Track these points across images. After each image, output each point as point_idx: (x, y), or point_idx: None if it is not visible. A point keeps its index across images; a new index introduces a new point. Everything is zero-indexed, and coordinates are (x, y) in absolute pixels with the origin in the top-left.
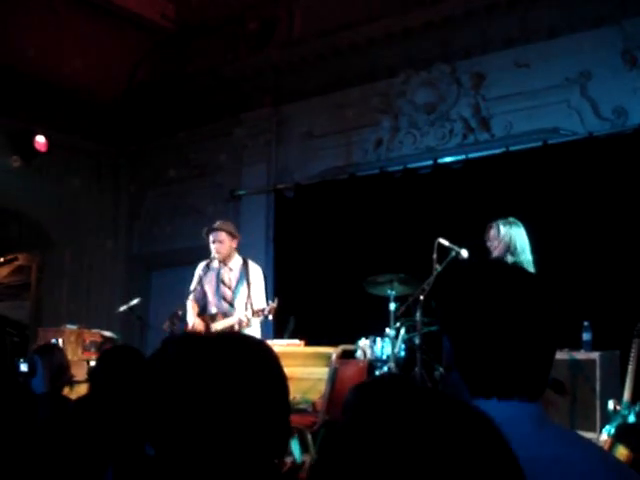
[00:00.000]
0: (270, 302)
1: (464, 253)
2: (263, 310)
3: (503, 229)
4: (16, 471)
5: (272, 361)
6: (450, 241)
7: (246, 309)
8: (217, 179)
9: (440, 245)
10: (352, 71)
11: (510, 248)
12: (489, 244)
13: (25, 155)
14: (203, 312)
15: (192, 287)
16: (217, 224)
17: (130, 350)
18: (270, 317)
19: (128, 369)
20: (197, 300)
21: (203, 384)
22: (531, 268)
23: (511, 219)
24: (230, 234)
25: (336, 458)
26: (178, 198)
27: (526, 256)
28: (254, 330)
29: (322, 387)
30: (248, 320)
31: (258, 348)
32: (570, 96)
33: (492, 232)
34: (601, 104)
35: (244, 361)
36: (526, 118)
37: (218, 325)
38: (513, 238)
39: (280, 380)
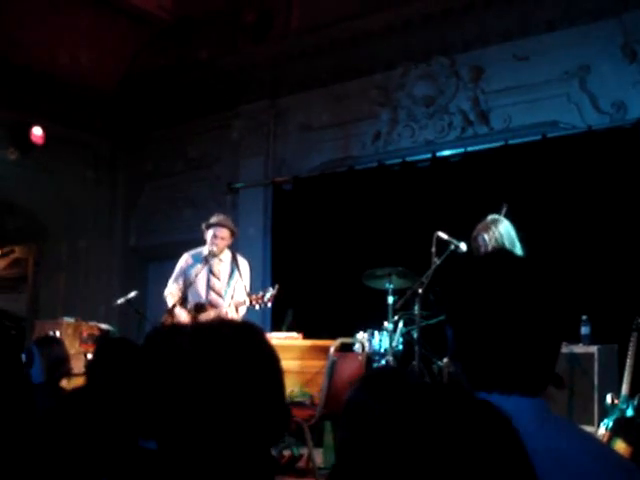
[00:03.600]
0: (271, 289)
1: (463, 246)
2: (263, 297)
3: (487, 236)
4: (15, 461)
5: (264, 343)
6: (449, 234)
7: (244, 299)
8: (215, 172)
9: (439, 238)
10: (350, 64)
11: (501, 247)
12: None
13: (22, 147)
14: (184, 302)
15: (172, 279)
16: (222, 220)
17: (126, 343)
18: (269, 305)
19: (125, 362)
20: (181, 290)
21: (195, 372)
22: None
23: (489, 219)
24: (232, 232)
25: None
26: (175, 190)
27: (516, 249)
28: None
29: (320, 380)
30: (244, 301)
31: (249, 332)
32: (569, 89)
33: (479, 242)
34: (600, 98)
35: (236, 346)
36: (525, 111)
37: (207, 316)
38: (501, 239)
39: (273, 363)
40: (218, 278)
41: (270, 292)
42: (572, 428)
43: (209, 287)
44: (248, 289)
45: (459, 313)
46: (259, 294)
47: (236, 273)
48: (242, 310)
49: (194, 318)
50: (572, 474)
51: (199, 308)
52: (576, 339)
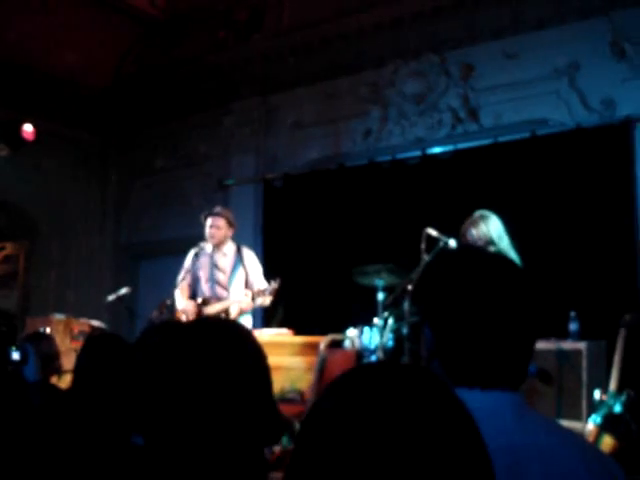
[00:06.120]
0: (272, 282)
1: (452, 243)
2: (264, 291)
3: (475, 232)
4: (11, 459)
5: (253, 344)
6: (438, 231)
7: (246, 292)
8: (205, 169)
9: (428, 235)
10: (341, 61)
11: (490, 242)
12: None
13: (12, 144)
14: (194, 297)
15: (181, 275)
16: (218, 209)
17: (113, 338)
18: (271, 298)
19: (112, 357)
20: (189, 285)
21: (185, 371)
22: (512, 253)
23: (477, 214)
24: (228, 222)
25: (313, 443)
26: (166, 187)
27: (505, 244)
28: (246, 320)
29: (310, 376)
30: (252, 301)
31: (238, 332)
32: (559, 87)
33: (467, 238)
34: (589, 95)
35: (225, 345)
36: (515, 109)
37: (212, 309)
38: (489, 234)
39: (262, 364)
40: (222, 272)
41: (272, 285)
42: (549, 423)
43: (214, 281)
44: (261, 279)
45: (438, 310)
46: (261, 288)
47: (240, 266)
48: (259, 301)
49: (199, 312)
50: (551, 468)
51: (204, 302)
52: (564, 335)
